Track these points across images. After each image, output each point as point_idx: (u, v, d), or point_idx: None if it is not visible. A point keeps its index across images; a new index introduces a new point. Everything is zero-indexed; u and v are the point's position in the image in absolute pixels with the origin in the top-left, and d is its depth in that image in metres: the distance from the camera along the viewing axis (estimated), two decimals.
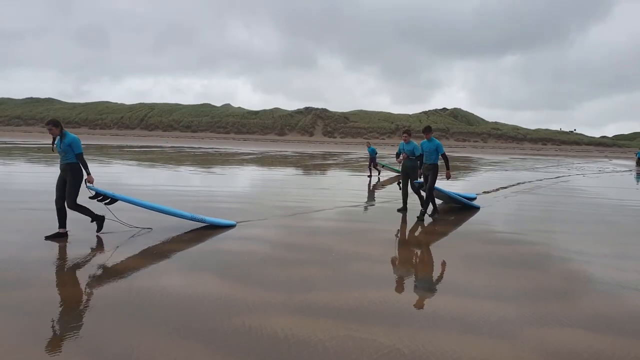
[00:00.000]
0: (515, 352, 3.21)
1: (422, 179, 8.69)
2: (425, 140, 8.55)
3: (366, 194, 12.01)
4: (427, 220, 8.32)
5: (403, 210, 9.06)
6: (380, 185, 15.13)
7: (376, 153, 18.07)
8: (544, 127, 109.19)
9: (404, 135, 8.91)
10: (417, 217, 8.21)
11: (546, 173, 23.24)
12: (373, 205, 10.10)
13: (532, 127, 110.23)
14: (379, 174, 18.14)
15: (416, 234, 7.15)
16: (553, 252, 6.20)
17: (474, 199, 10.61)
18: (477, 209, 9.61)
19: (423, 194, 8.76)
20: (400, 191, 9.08)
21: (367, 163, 18.55)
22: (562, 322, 3.76)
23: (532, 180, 18.33)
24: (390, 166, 20.03)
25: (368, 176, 17.48)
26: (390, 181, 16.10)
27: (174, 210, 7.16)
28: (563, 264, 5.60)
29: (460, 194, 10.36)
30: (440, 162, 8.47)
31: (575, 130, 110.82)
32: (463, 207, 9.84)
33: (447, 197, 9.62)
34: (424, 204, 8.43)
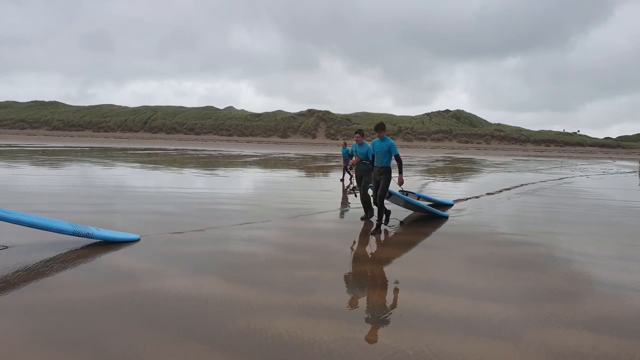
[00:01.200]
0: (520, 353, 3.21)
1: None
2: (377, 139, 7.43)
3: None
4: (425, 221, 8.29)
5: (366, 217, 8.19)
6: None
7: (350, 156, 16.65)
8: (546, 128, 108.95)
9: (356, 135, 8.04)
10: (371, 232, 7.14)
11: (549, 174, 23.19)
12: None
13: (535, 128, 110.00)
14: (351, 177, 15.82)
15: (418, 235, 7.14)
16: (557, 254, 6.19)
17: (450, 205, 9.96)
18: (445, 218, 8.48)
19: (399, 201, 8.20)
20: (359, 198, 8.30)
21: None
22: (566, 323, 3.76)
23: (536, 181, 18.29)
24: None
25: (341, 180, 15.99)
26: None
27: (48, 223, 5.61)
28: (567, 265, 5.59)
29: (434, 200, 9.84)
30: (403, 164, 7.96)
31: (578, 131, 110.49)
32: (439, 208, 9.26)
33: (409, 204, 8.45)
34: (379, 214, 7.38)
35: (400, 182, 7.46)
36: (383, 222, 7.41)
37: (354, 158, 8.11)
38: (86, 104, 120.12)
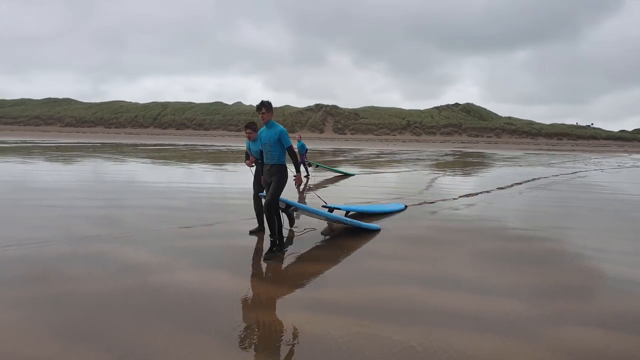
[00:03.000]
0: (533, 351, 3.15)
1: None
2: (264, 127, 5.60)
3: (377, 190, 11.95)
4: (435, 216, 8.22)
5: (257, 230, 6.52)
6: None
7: (306, 150, 15.28)
8: (559, 121, 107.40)
9: (247, 131, 6.53)
10: (264, 257, 5.31)
11: (562, 168, 22.90)
12: (384, 201, 10.02)
13: (547, 121, 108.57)
14: (307, 174, 15.12)
15: (428, 230, 7.08)
16: (570, 249, 6.10)
17: (402, 210, 8.70)
18: (376, 231, 6.84)
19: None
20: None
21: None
22: (581, 320, 3.69)
23: (548, 175, 18.07)
24: (325, 165, 17.44)
25: (304, 177, 14.81)
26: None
27: None
28: (581, 261, 5.50)
29: (377, 208, 8.48)
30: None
31: (592, 124, 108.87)
32: (385, 211, 8.31)
33: (323, 217, 6.49)
34: (271, 229, 5.44)
35: (299, 183, 5.60)
36: (272, 249, 5.43)
37: (250, 158, 6.66)
38: (98, 101, 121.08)
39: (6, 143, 36.14)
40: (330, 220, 6.57)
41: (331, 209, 7.23)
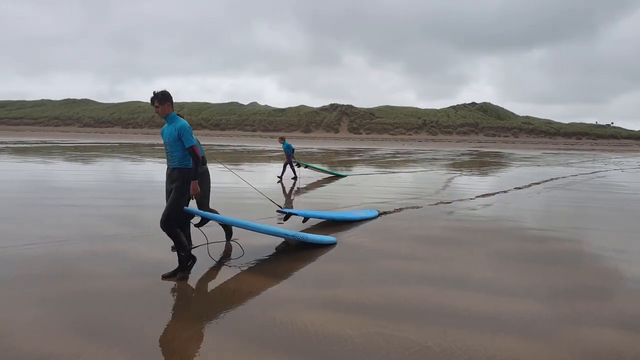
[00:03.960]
0: (552, 352, 3.12)
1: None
2: (166, 125, 4.60)
3: (393, 190, 11.91)
4: (451, 216, 8.16)
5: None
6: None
7: (293, 150, 14.39)
8: (577, 121, 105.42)
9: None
10: (178, 277, 4.50)
11: (581, 168, 22.51)
12: (400, 201, 10.00)
13: (565, 121, 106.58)
14: (295, 175, 14.38)
15: (444, 230, 7.04)
16: (590, 250, 6.01)
17: (373, 217, 7.83)
18: (331, 245, 5.92)
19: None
20: None
21: (295, 162, 14.47)
22: (601, 322, 3.64)
23: (567, 175, 17.79)
24: (315, 165, 16.36)
25: (292, 178, 14.20)
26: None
27: None
28: (600, 262, 5.42)
29: (344, 215, 7.57)
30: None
31: (612, 123, 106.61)
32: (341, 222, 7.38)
33: (255, 230, 5.33)
34: (179, 246, 4.52)
35: (195, 192, 4.52)
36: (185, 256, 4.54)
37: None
38: (115, 101, 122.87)
39: (27, 143, 36.94)
40: (264, 233, 5.46)
41: (287, 215, 6.57)
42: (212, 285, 4.35)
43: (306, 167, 15.12)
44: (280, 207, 6.57)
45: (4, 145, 32.14)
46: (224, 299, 4.01)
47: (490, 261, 5.33)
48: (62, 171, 15.43)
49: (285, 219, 6.65)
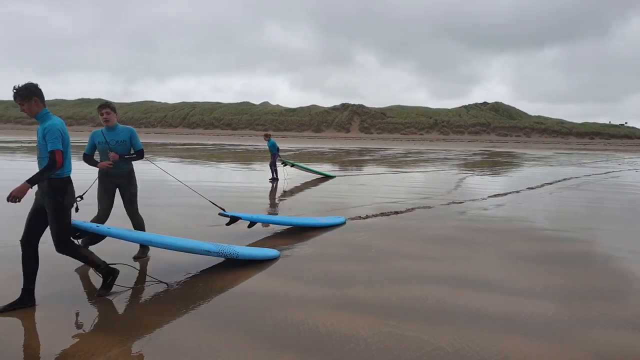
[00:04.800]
0: (567, 354, 3.09)
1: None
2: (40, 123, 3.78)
3: (404, 189, 11.87)
4: (463, 216, 8.11)
5: (139, 255, 5.25)
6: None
7: (278, 149, 13.64)
8: (590, 120, 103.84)
9: (104, 116, 5.11)
10: (97, 294, 4.04)
11: (594, 168, 22.23)
12: (412, 200, 9.96)
13: (578, 120, 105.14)
14: (275, 174, 13.56)
15: (456, 230, 7.00)
16: (604, 251, 5.94)
17: (340, 224, 7.16)
18: (273, 260, 5.19)
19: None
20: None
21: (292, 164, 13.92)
22: (616, 323, 3.59)
23: (579, 175, 17.58)
24: (301, 165, 15.49)
25: (270, 180, 13.37)
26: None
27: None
28: (615, 263, 5.35)
29: (301, 221, 6.95)
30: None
31: (626, 123, 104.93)
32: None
33: (166, 247, 4.49)
34: (90, 264, 4.02)
35: (15, 194, 3.59)
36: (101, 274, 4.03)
37: (110, 157, 5.16)
38: (129, 101, 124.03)
39: None
40: (177, 250, 4.54)
41: (232, 219, 5.79)
42: (224, 284, 4.37)
43: (292, 166, 14.35)
44: (222, 209, 5.75)
45: (19, 145, 32.63)
46: (234, 298, 4.03)
47: (503, 261, 5.29)
48: (75, 170, 15.59)
49: (229, 223, 5.83)
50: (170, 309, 3.73)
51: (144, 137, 61.36)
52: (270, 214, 8.25)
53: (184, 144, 42.70)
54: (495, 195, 10.92)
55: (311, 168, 15.65)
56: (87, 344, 3.11)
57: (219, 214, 5.75)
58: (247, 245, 5.69)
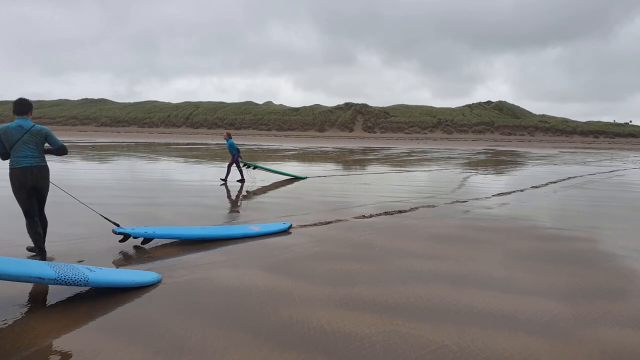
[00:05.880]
0: (572, 353, 3.09)
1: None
2: None
3: (408, 189, 11.86)
4: (467, 215, 8.10)
5: (37, 252, 4.94)
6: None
7: (237, 149, 12.75)
8: (594, 119, 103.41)
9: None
10: None
11: (599, 167, 22.14)
12: (415, 200, 9.95)
13: (582, 119, 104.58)
14: (226, 176, 12.69)
15: (460, 229, 6.99)
16: (608, 250, 5.92)
17: (278, 232, 6.44)
18: (152, 285, 4.24)
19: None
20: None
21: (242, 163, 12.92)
22: (621, 322, 3.58)
23: (584, 174, 17.52)
24: (265, 167, 14.80)
25: (238, 180, 12.57)
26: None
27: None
28: (620, 261, 5.33)
29: (218, 232, 6.16)
30: None
31: (630, 121, 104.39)
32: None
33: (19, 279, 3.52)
34: None
35: None
36: None
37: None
38: (133, 101, 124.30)
39: None
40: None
41: (125, 237, 5.41)
42: (229, 282, 4.38)
43: (255, 168, 13.66)
44: (117, 225, 5.44)
45: None
46: (238, 297, 4.04)
47: (507, 260, 5.28)
48: (80, 170, 15.69)
49: (123, 240, 5.45)
50: (174, 307, 3.74)
51: (147, 137, 61.52)
52: (270, 213, 8.25)
53: (188, 144, 42.79)
54: (499, 194, 10.90)
55: (277, 170, 14.81)
56: (92, 343, 3.12)
57: (113, 230, 5.36)
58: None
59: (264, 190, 11.45)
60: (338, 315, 3.64)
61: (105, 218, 5.64)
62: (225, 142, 12.98)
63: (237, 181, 12.57)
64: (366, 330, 3.36)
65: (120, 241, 5.47)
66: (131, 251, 5.42)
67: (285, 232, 6.53)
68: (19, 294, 3.98)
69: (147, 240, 5.57)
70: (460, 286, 4.38)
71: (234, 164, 12.72)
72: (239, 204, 9.47)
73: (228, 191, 11.01)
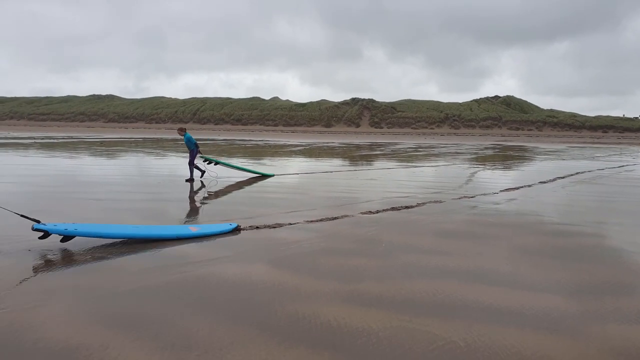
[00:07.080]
0: (580, 349, 3.07)
1: None
2: None
3: (415, 184, 11.82)
4: (474, 210, 8.07)
5: None
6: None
7: (195, 144, 12.02)
8: (603, 113, 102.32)
9: None
10: None
11: (608, 162, 21.93)
12: (422, 195, 9.92)
13: (591, 114, 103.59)
14: (191, 174, 11.81)
15: (467, 225, 6.96)
16: (616, 245, 5.87)
17: (221, 233, 6.05)
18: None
19: None
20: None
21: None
22: (630, 319, 3.56)
23: (593, 169, 17.36)
24: (229, 163, 13.87)
25: (187, 180, 11.65)
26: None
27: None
28: (629, 257, 5.29)
29: (151, 232, 5.78)
30: None
31: None
32: None
33: None
34: None
35: None
36: None
37: None
38: (140, 97, 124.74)
39: (54, 139, 37.89)
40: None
41: (44, 234, 5.12)
42: (236, 278, 4.40)
43: (216, 164, 12.85)
44: (37, 222, 5.11)
45: (33, 141, 33.05)
46: (245, 292, 4.06)
47: (515, 256, 5.26)
48: (89, 166, 15.80)
49: (43, 237, 5.17)
50: (181, 303, 3.76)
51: (154, 133, 61.82)
52: (267, 214, 8.26)
53: (195, 140, 42.87)
54: (506, 190, 10.83)
55: (242, 167, 13.98)
56: (100, 337, 3.15)
57: (33, 228, 5.07)
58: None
59: (268, 185, 11.46)
60: (344, 310, 3.64)
61: (23, 216, 5.19)
62: (182, 137, 12.15)
63: (186, 181, 11.55)
64: (373, 325, 3.37)
65: (39, 238, 5.11)
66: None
67: (232, 233, 6.14)
68: (19, 293, 4.03)
69: (67, 238, 5.22)
70: (467, 282, 4.37)
71: (191, 159, 11.80)
72: (245, 199, 9.49)
73: (229, 187, 11.03)
